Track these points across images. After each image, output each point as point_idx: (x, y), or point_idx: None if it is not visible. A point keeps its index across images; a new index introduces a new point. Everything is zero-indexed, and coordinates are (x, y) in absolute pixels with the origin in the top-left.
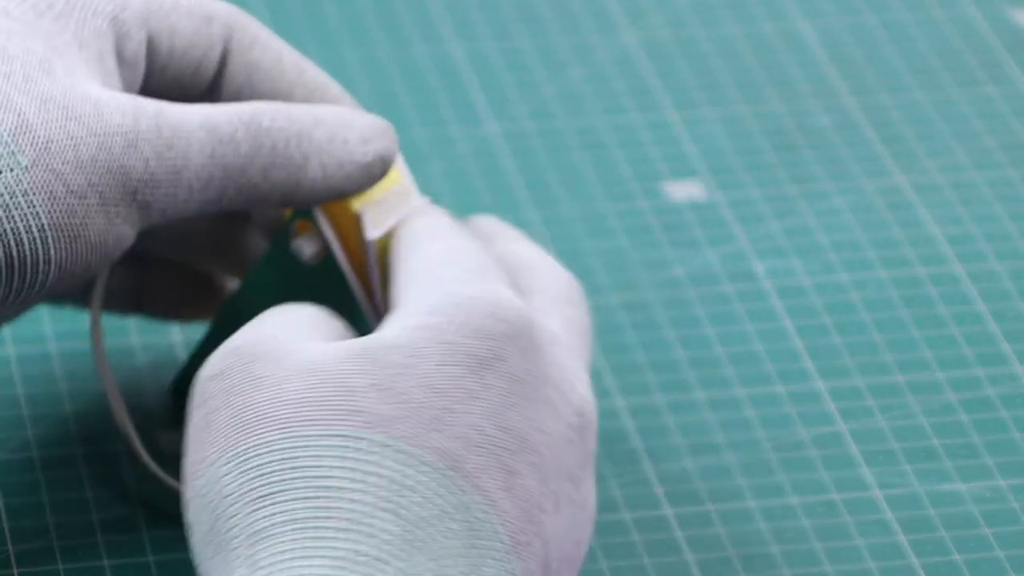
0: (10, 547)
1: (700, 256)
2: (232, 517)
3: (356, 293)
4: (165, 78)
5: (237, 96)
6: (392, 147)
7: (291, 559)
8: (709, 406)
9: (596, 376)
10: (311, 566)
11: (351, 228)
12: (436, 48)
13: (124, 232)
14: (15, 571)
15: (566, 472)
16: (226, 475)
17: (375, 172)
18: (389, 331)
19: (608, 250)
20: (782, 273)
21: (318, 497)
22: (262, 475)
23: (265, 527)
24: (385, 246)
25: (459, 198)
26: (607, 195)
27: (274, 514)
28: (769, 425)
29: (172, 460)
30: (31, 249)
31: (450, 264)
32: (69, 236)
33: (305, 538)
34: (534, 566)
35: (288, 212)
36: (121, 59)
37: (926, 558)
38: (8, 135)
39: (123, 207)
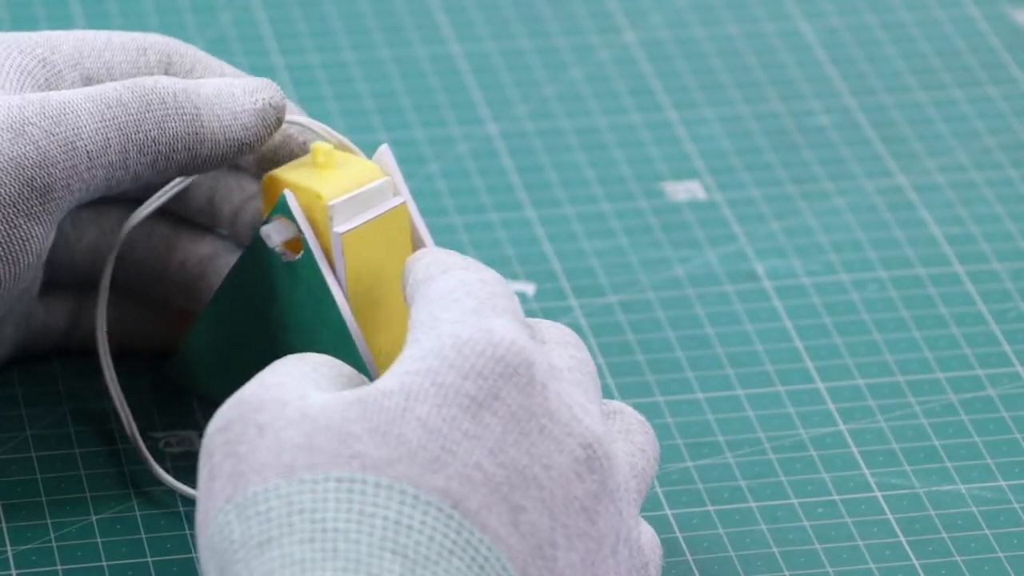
0: (8, 548)
1: (700, 256)
2: (238, 563)
3: (329, 284)
4: None
5: None
6: (279, 96)
7: None
8: (709, 406)
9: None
10: None
11: (324, 222)
12: (436, 48)
13: (32, 232)
14: (13, 572)
15: (577, 506)
16: (231, 522)
17: (269, 119)
18: (386, 380)
19: (608, 250)
20: (782, 273)
21: (320, 540)
22: (266, 520)
23: (269, 570)
24: (360, 240)
25: (459, 198)
26: (607, 195)
27: (277, 557)
28: (769, 425)
29: (171, 459)
30: None
31: (451, 303)
32: None
33: None
34: None
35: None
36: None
37: (927, 559)
38: None
39: (22, 204)
